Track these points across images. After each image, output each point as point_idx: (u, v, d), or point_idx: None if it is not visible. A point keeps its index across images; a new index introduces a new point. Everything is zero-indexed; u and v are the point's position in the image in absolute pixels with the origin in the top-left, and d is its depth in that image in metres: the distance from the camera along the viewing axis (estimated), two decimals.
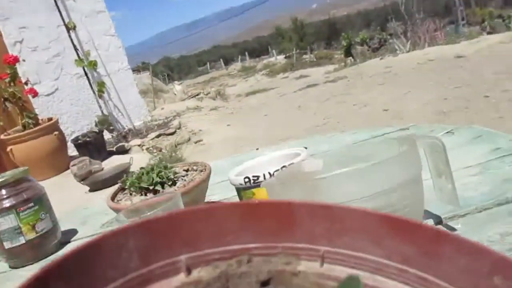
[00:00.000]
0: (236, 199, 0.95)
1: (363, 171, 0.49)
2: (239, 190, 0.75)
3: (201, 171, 0.98)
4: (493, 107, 3.51)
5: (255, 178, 0.71)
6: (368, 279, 0.27)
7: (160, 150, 5.11)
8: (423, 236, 0.26)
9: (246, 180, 0.71)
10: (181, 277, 0.26)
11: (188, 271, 0.27)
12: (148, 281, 0.25)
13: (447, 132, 1.07)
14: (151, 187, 0.93)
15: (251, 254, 0.28)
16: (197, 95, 9.52)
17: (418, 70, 6.04)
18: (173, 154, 4.68)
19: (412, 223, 0.27)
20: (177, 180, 0.97)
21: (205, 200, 0.97)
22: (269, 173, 0.69)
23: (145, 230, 0.26)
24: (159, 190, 0.94)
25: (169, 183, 0.96)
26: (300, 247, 0.28)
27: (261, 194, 0.70)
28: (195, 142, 5.51)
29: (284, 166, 0.70)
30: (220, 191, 1.10)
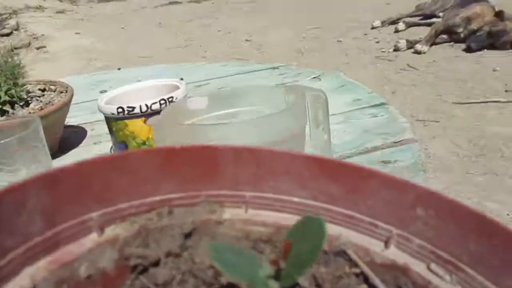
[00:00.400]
0: (101, 124, 0.87)
1: (262, 120, 0.48)
2: (110, 119, 0.68)
3: (61, 92, 0.85)
4: (344, 52, 3.80)
5: (130, 109, 0.64)
6: (293, 220, 0.27)
7: None
8: (348, 174, 0.26)
9: (120, 110, 0.64)
10: (94, 237, 0.22)
11: (101, 229, 0.23)
12: (56, 245, 0.21)
13: (314, 77, 1.10)
14: None
15: (172, 205, 0.25)
16: None
17: (281, 2, 6.07)
18: (9, 60, 4.05)
19: (337, 163, 0.26)
20: (31, 100, 0.84)
21: (65, 124, 0.86)
22: (146, 105, 0.64)
23: (47, 184, 0.21)
24: (7, 111, 0.81)
25: (21, 104, 0.83)
26: (224, 194, 0.26)
27: (134, 126, 0.66)
28: (37, 48, 4.85)
29: (163, 99, 0.65)
30: (80, 114, 0.99)
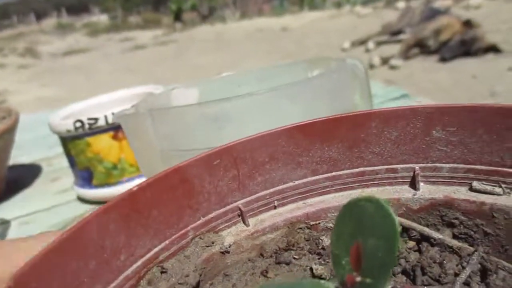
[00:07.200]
0: (60, 158, 0.72)
1: (295, 88, 0.29)
2: (66, 140, 0.49)
3: (3, 118, 0.63)
4: None
5: (92, 121, 0.46)
6: (299, 209, 0.21)
7: None
8: (343, 128, 0.20)
9: (78, 125, 0.45)
10: None
11: None
12: None
13: None
14: None
15: (161, 262, 0.18)
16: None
17: (249, 38, 5.82)
18: None
19: (326, 121, 0.20)
20: None
21: (10, 163, 0.65)
22: (114, 114, 0.44)
23: None
24: None
25: None
26: (214, 217, 0.20)
27: (100, 144, 0.47)
28: None
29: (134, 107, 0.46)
30: (30, 150, 0.81)
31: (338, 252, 0.13)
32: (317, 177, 0.21)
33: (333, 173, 0.21)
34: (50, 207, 0.54)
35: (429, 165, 0.20)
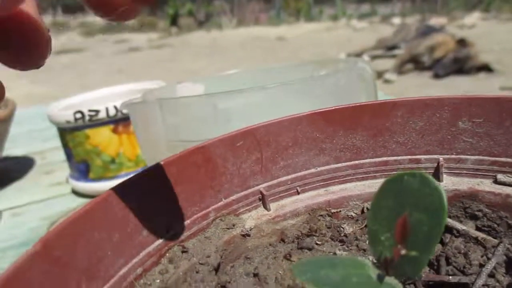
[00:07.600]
0: (54, 151, 0.71)
1: (308, 83, 0.30)
2: (64, 131, 0.49)
3: None
4: None
5: (93, 113, 0.45)
6: (321, 196, 0.21)
7: None
8: (368, 115, 0.20)
9: (78, 116, 0.45)
10: None
11: None
12: None
13: None
14: None
15: (182, 241, 0.18)
16: None
17: (244, 46, 5.88)
18: None
19: (351, 108, 0.20)
20: None
21: (3, 154, 0.64)
22: (115, 107, 0.45)
23: None
24: None
25: None
26: (235, 199, 0.19)
27: (99, 137, 0.47)
28: None
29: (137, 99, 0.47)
30: (24, 143, 0.79)
31: (376, 228, 0.13)
32: (340, 164, 0.21)
33: (356, 162, 0.21)
34: (43, 199, 0.54)
35: (453, 156, 0.20)
